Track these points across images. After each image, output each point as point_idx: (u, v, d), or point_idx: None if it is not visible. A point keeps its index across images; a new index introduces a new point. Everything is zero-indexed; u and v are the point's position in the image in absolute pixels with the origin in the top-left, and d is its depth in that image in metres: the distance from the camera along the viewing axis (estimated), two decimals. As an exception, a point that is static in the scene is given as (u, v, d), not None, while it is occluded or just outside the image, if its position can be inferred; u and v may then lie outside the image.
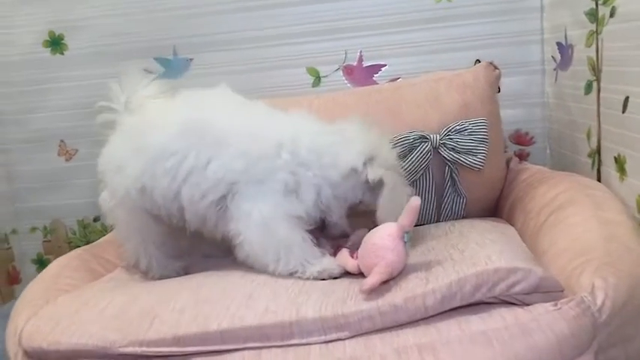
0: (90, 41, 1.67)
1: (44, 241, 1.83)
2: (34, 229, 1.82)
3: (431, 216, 1.31)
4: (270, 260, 1.01)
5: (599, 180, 1.23)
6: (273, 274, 1.01)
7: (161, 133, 1.08)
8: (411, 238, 0.92)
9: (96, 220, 1.77)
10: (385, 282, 0.87)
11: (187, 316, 0.88)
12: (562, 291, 0.83)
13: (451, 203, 1.30)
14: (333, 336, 0.83)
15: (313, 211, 1.06)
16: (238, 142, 1.05)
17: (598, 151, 1.23)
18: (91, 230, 1.79)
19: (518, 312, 0.80)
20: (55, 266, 1.21)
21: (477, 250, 0.92)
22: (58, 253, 1.30)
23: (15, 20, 1.68)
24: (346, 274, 0.99)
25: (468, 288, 0.81)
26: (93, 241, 1.43)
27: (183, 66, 1.66)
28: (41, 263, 1.81)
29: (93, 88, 1.62)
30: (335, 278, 0.99)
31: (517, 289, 0.81)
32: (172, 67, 1.66)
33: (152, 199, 1.09)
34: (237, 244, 1.04)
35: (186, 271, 1.17)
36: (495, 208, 1.38)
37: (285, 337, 0.83)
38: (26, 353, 0.93)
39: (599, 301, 0.79)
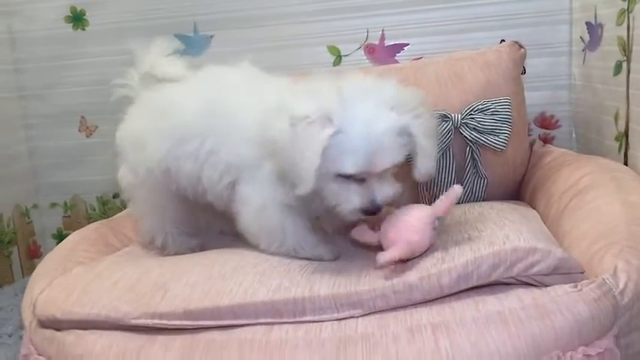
0: (111, 17, 1.67)
1: (64, 217, 1.85)
2: (54, 204, 1.84)
3: (450, 198, 1.28)
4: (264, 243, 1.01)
5: (625, 164, 1.19)
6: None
7: (183, 115, 1.07)
8: (442, 225, 0.90)
9: (115, 196, 1.78)
10: (402, 261, 0.85)
11: (199, 290, 0.88)
12: (582, 272, 0.80)
13: (472, 185, 1.27)
14: (346, 313, 0.82)
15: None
16: (245, 128, 1.00)
17: (626, 133, 1.19)
18: (110, 207, 1.81)
19: (537, 293, 0.78)
20: (72, 239, 1.21)
21: (495, 230, 0.90)
22: (78, 229, 1.32)
23: (37, -5, 1.69)
24: (361, 253, 0.97)
25: (484, 267, 0.79)
26: (112, 218, 1.44)
27: (203, 43, 1.65)
28: (61, 238, 1.82)
29: (114, 64, 1.61)
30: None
31: (535, 269, 0.79)
32: (193, 45, 1.65)
33: (177, 181, 1.09)
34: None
35: (201, 249, 1.17)
36: (517, 191, 1.35)
37: (297, 313, 0.83)
38: (40, 322, 0.94)
39: (621, 284, 0.77)
